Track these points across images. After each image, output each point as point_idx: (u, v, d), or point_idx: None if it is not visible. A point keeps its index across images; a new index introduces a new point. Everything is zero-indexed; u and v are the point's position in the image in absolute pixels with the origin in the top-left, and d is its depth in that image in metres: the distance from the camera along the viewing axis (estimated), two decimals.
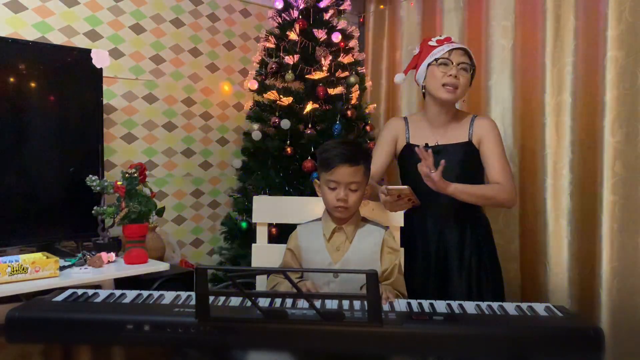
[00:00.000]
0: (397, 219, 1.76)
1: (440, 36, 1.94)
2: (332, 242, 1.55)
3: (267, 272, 1.59)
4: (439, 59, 1.84)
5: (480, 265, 1.81)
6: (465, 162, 1.85)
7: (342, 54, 2.67)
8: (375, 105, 2.96)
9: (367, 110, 2.80)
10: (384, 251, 1.55)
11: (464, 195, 1.71)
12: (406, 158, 1.91)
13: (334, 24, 2.70)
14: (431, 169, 1.59)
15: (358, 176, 1.49)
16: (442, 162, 1.60)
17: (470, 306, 1.23)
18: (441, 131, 1.90)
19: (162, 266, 2.09)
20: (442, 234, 1.83)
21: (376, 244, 1.55)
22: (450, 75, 1.81)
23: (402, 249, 1.72)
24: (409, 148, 1.89)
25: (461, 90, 1.83)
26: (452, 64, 1.82)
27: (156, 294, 1.28)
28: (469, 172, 1.85)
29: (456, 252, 1.81)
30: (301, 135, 2.57)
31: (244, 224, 2.65)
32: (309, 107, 2.57)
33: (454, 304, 1.24)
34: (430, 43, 1.91)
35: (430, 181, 1.61)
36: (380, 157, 1.93)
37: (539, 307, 1.22)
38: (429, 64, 1.87)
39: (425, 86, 1.90)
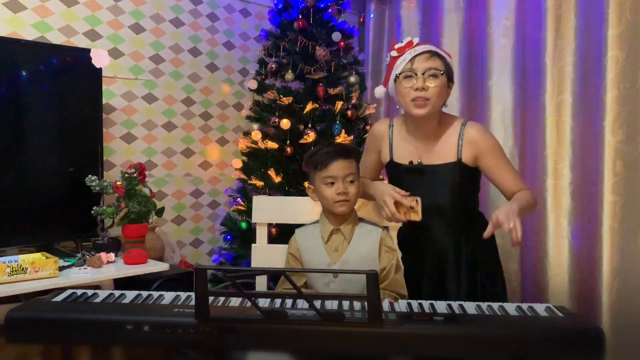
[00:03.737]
0: None
1: (402, 42, 1.67)
2: (330, 243, 1.55)
3: (267, 272, 1.59)
4: (401, 72, 1.62)
5: (477, 273, 1.70)
6: (455, 184, 1.67)
7: (342, 54, 2.67)
8: (375, 105, 2.96)
9: (367, 112, 2.80)
10: (381, 250, 1.55)
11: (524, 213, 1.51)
12: (392, 176, 1.78)
13: (334, 24, 2.70)
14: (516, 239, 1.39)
15: (353, 168, 1.52)
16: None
17: (470, 306, 1.22)
18: (426, 146, 1.70)
19: (162, 266, 2.09)
20: (438, 243, 1.72)
21: (374, 242, 1.54)
22: (417, 88, 1.57)
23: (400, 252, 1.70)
24: (393, 166, 1.75)
25: (435, 99, 1.59)
26: (416, 74, 1.58)
27: (156, 294, 1.27)
28: (460, 192, 1.69)
29: (452, 260, 1.70)
30: (301, 135, 2.57)
31: (243, 224, 2.65)
32: (309, 107, 2.56)
33: (454, 305, 1.24)
34: (392, 53, 1.67)
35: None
36: (370, 163, 1.82)
37: (540, 308, 1.21)
38: (395, 78, 1.65)
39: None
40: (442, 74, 1.60)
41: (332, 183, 1.50)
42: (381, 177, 1.97)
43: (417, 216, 1.54)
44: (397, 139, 1.75)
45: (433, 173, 1.67)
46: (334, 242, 1.55)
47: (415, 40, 1.65)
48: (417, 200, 1.55)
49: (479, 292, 1.67)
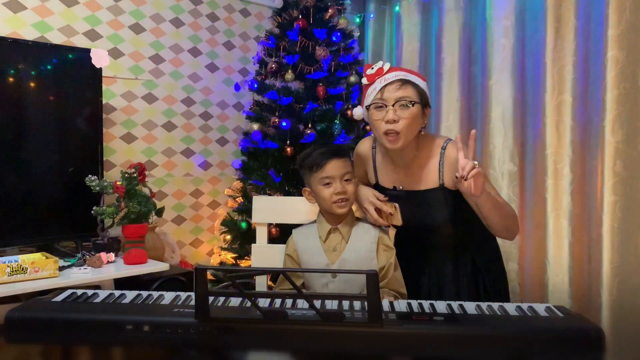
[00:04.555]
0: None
1: (373, 68, 1.55)
2: (328, 243, 1.55)
3: (267, 272, 1.59)
4: (372, 103, 1.52)
5: (478, 278, 1.66)
6: (442, 207, 1.60)
7: (342, 54, 2.67)
8: None
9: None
10: (379, 249, 1.55)
11: (489, 205, 1.47)
12: None
13: (334, 24, 2.71)
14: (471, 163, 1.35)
15: (349, 167, 1.52)
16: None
17: (470, 306, 1.22)
18: (407, 171, 1.63)
19: (162, 266, 2.09)
20: (438, 257, 1.67)
21: (372, 242, 1.54)
22: (388, 120, 1.48)
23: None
24: (380, 189, 1.68)
25: (406, 132, 1.48)
26: (387, 105, 1.49)
27: (156, 294, 1.27)
28: (450, 212, 1.61)
29: (452, 272, 1.66)
30: (301, 135, 2.57)
31: (243, 224, 2.64)
32: (309, 107, 2.56)
33: (454, 304, 1.24)
34: (363, 81, 1.57)
35: (474, 179, 1.36)
36: (357, 173, 1.74)
37: (540, 308, 1.21)
38: (367, 107, 1.55)
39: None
40: (413, 104, 1.49)
41: (329, 183, 1.49)
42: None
43: (397, 221, 1.56)
44: (380, 162, 1.69)
45: (418, 198, 1.61)
46: (332, 242, 1.55)
47: (386, 67, 1.54)
48: (395, 207, 1.55)
49: (482, 298, 1.64)
